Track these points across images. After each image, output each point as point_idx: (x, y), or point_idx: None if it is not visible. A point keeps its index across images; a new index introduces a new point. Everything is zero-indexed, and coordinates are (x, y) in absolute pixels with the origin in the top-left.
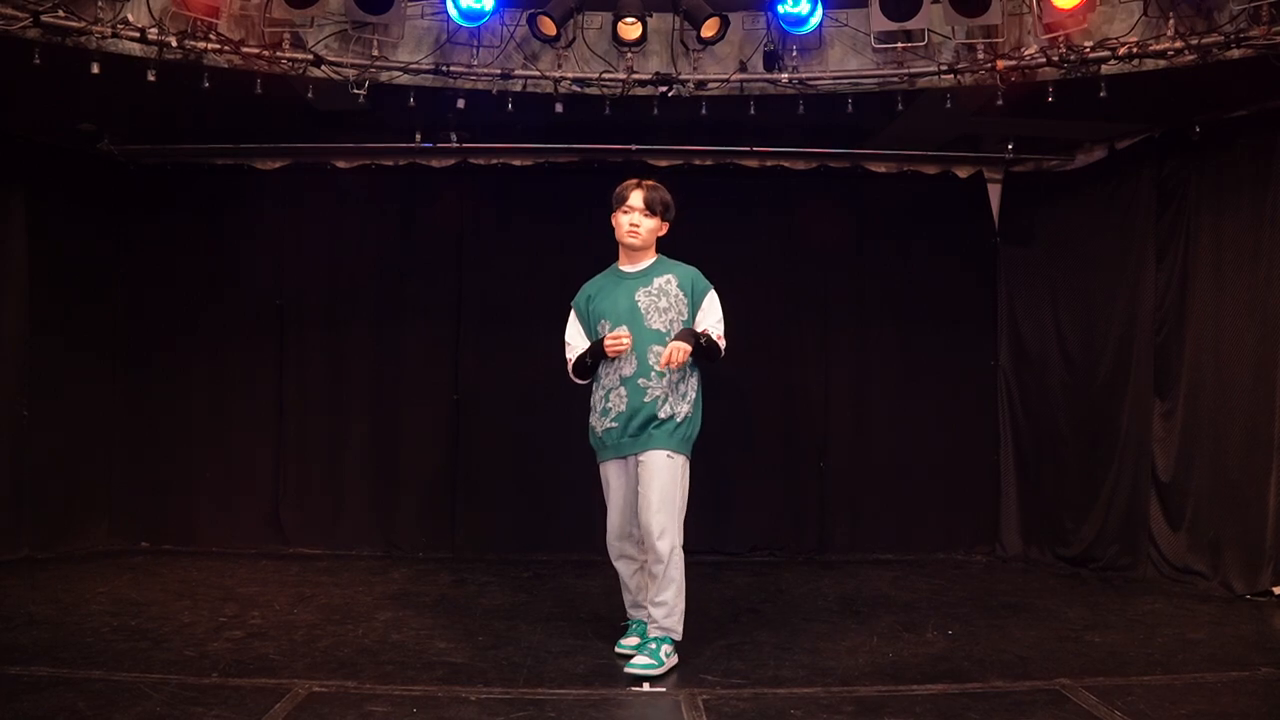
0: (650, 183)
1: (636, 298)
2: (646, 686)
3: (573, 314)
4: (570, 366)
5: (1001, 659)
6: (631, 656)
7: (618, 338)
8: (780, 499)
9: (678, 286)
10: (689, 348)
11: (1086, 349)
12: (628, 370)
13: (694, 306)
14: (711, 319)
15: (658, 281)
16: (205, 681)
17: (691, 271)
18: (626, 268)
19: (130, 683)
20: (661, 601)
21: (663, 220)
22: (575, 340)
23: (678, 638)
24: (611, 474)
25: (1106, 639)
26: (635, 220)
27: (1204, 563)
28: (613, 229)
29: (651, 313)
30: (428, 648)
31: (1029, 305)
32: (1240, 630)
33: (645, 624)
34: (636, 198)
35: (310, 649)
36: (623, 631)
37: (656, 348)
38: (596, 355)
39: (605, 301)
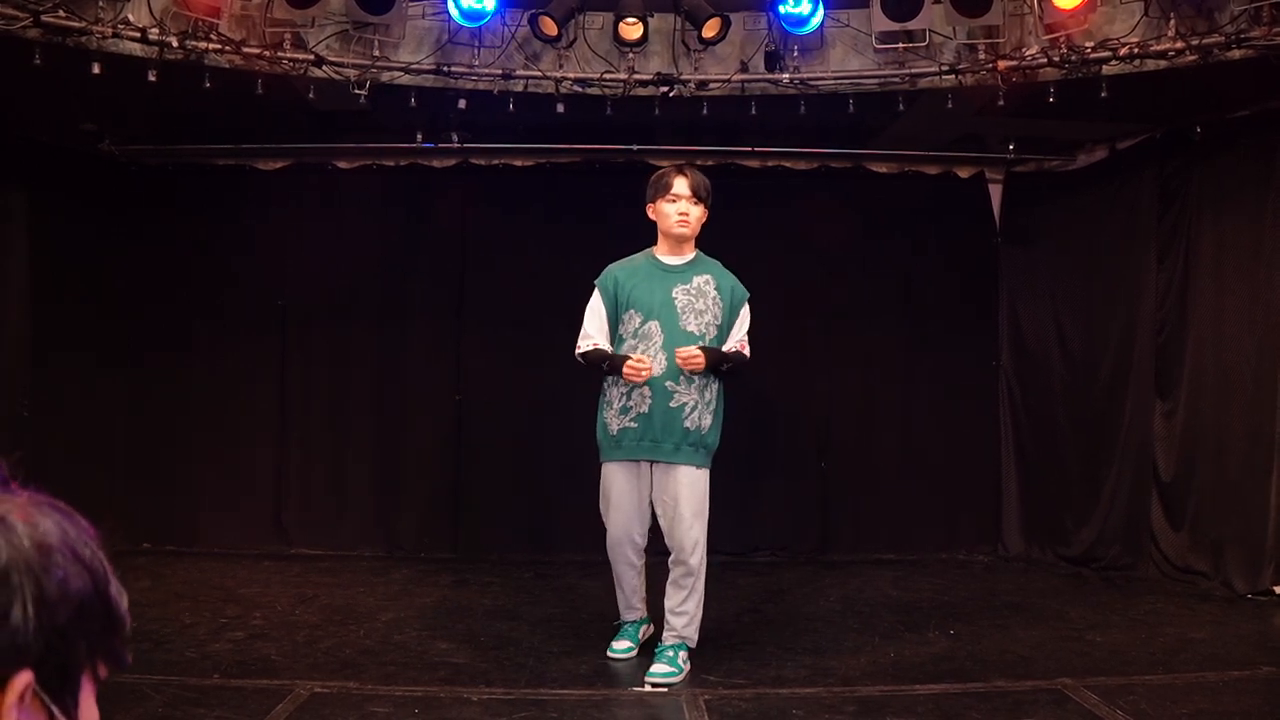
0: (695, 169)
1: (674, 294)
2: (648, 687)
3: (596, 295)
4: (580, 354)
5: (1003, 659)
6: (624, 660)
7: (637, 370)
8: (782, 499)
9: (715, 289)
10: (703, 364)
11: (1088, 349)
12: (656, 370)
13: (730, 313)
14: (743, 331)
15: (697, 280)
16: (207, 682)
17: (731, 277)
18: (666, 258)
19: (132, 684)
20: (684, 611)
21: (706, 207)
22: (593, 331)
23: (693, 645)
24: (620, 475)
25: (1108, 638)
26: (684, 209)
27: (1205, 562)
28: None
29: (688, 313)
30: (430, 648)
31: (1030, 305)
32: (1242, 630)
33: (637, 622)
34: (682, 185)
35: (312, 650)
36: (614, 633)
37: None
38: (614, 371)
39: (640, 291)
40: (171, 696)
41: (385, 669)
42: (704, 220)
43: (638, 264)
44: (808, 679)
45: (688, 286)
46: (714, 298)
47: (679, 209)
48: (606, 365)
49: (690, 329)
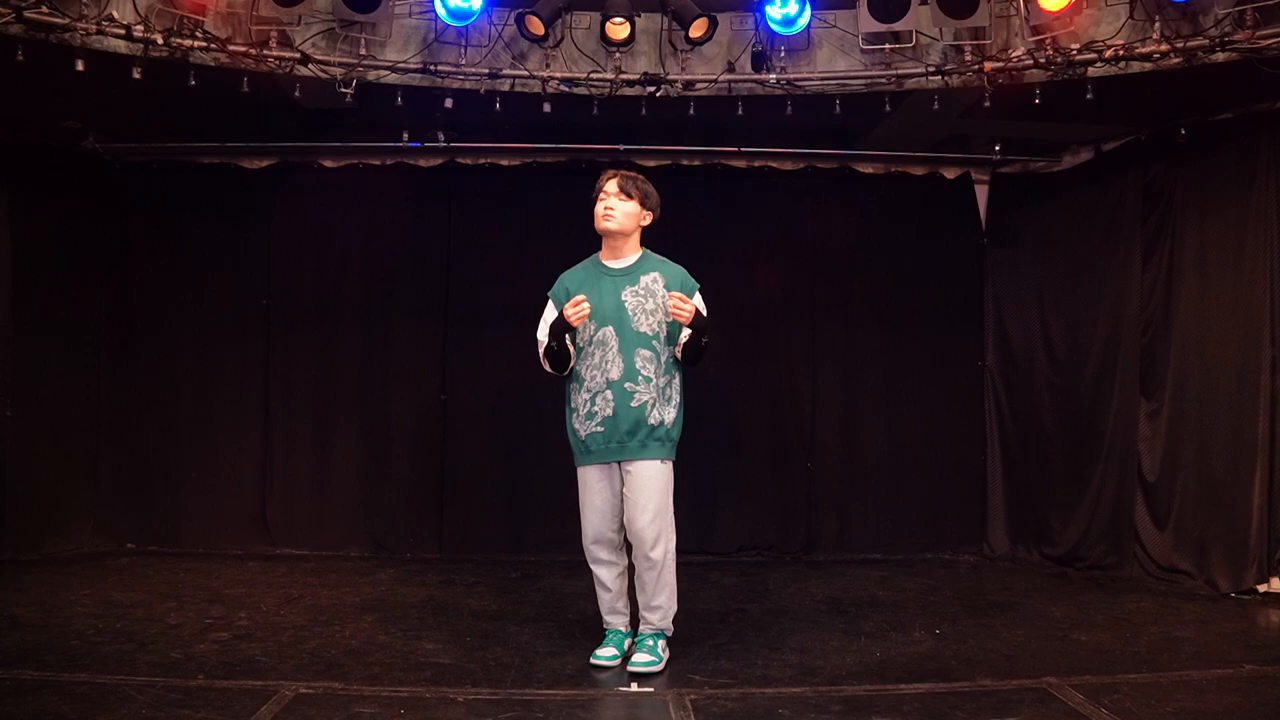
0: (628, 172)
1: (623, 297)
2: (634, 686)
3: (550, 307)
4: (541, 356)
5: (988, 658)
6: (608, 668)
7: (578, 303)
8: (768, 499)
9: (664, 287)
10: (691, 316)
11: (1073, 349)
12: (614, 374)
13: None
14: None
15: (644, 280)
16: (191, 684)
17: (679, 271)
18: (610, 262)
19: (115, 685)
20: (657, 605)
21: (643, 207)
22: (543, 333)
23: (671, 634)
24: (593, 479)
25: (1093, 637)
26: (610, 204)
27: (1189, 561)
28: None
29: (639, 314)
30: (415, 649)
31: (1016, 306)
32: (1225, 628)
33: (622, 633)
34: (611, 184)
35: (297, 650)
36: (600, 639)
37: (644, 352)
38: (559, 333)
39: (590, 299)
40: (155, 698)
41: (370, 669)
42: (641, 220)
43: (586, 270)
44: (794, 679)
45: (636, 288)
46: (663, 296)
47: (606, 205)
48: (554, 340)
49: (643, 329)
